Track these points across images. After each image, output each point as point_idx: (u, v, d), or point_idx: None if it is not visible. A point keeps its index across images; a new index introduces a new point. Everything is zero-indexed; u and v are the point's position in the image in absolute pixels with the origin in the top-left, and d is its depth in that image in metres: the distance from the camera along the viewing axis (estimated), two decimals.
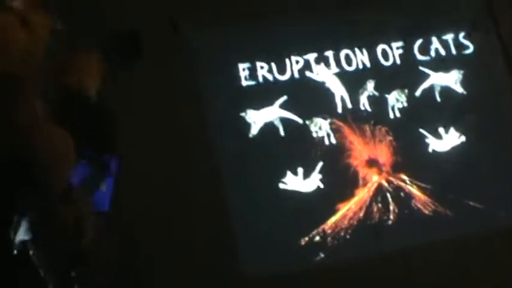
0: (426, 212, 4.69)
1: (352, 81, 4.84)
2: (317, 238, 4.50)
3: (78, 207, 1.94)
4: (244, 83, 4.71)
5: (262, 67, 4.76)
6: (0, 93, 1.67)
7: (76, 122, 1.91)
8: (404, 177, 4.73)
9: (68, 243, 1.87)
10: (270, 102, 4.69)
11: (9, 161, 1.63)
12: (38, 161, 1.66)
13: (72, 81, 2.00)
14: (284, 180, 4.56)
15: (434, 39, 5.08)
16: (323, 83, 4.81)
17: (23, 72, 1.74)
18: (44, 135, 1.69)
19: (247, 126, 4.62)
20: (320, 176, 4.60)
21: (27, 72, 1.77)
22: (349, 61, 4.89)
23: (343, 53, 4.88)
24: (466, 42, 5.13)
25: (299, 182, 4.58)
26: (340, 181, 4.64)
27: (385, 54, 4.94)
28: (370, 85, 4.84)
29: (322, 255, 4.50)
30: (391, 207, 4.65)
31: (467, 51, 5.11)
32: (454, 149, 4.89)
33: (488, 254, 4.54)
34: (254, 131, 4.63)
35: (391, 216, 4.64)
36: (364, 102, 4.81)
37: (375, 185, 4.69)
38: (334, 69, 4.85)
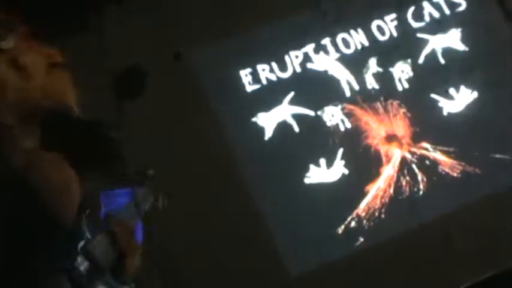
0: (455, 174, 4.68)
1: (354, 62, 4.85)
2: (353, 224, 4.52)
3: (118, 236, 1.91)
4: (249, 88, 4.75)
5: (263, 69, 4.79)
6: None
7: (71, 141, 1.89)
8: (426, 145, 4.73)
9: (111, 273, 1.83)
10: (278, 102, 4.72)
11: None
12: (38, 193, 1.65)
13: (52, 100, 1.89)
14: (308, 174, 4.58)
15: (425, 3, 5.08)
16: (326, 71, 4.83)
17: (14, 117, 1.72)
18: (36, 167, 1.68)
19: (261, 130, 4.66)
20: (343, 163, 4.62)
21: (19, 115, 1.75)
22: (346, 44, 4.90)
23: (339, 37, 4.90)
24: (458, 0, 5.11)
25: (324, 173, 4.60)
26: (364, 163, 4.64)
27: (380, 29, 4.95)
28: (373, 62, 4.86)
29: (361, 239, 4.51)
30: (419, 178, 4.65)
31: (461, 8, 5.10)
32: (469, 106, 4.88)
33: None
34: (269, 133, 4.66)
35: (421, 186, 4.64)
36: (370, 81, 4.82)
37: (399, 159, 4.69)
38: (334, 55, 4.87)
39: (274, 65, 4.81)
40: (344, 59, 4.86)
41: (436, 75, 4.90)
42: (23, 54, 1.80)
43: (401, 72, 4.87)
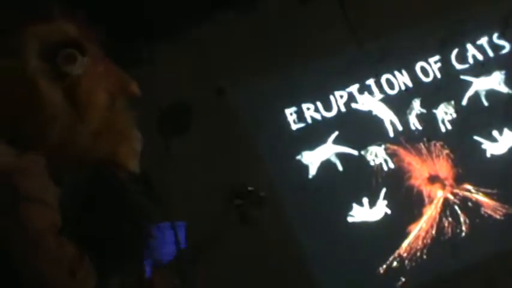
0: (498, 216, 4.67)
1: (398, 103, 4.92)
2: (395, 264, 4.54)
3: None
4: (294, 126, 4.84)
5: (308, 108, 4.88)
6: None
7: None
8: (468, 186, 4.74)
9: None
10: (322, 141, 4.80)
11: None
12: None
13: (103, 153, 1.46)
14: (351, 213, 4.63)
15: (469, 46, 5.11)
16: (370, 112, 4.90)
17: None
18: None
19: (305, 168, 4.73)
20: (386, 202, 4.65)
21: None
22: (391, 85, 4.97)
23: (383, 78, 4.97)
24: (501, 42, 5.15)
25: (366, 212, 4.64)
26: (406, 203, 4.67)
27: (424, 71, 5.01)
28: (416, 104, 4.91)
29: (403, 279, 4.52)
30: (462, 219, 4.66)
31: (504, 51, 5.13)
32: None
33: None
34: (313, 171, 4.73)
35: (464, 228, 4.64)
36: (413, 122, 4.87)
37: (441, 200, 4.71)
38: (378, 95, 4.94)
39: (319, 104, 4.90)
40: (388, 100, 4.93)
41: (479, 117, 4.91)
42: (86, 84, 1.42)
43: (445, 113, 4.91)
